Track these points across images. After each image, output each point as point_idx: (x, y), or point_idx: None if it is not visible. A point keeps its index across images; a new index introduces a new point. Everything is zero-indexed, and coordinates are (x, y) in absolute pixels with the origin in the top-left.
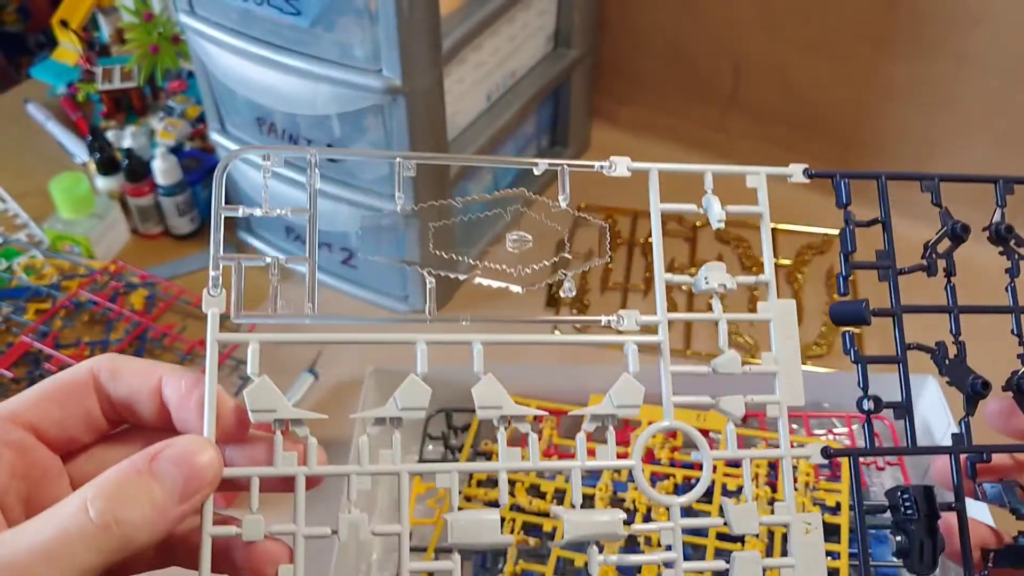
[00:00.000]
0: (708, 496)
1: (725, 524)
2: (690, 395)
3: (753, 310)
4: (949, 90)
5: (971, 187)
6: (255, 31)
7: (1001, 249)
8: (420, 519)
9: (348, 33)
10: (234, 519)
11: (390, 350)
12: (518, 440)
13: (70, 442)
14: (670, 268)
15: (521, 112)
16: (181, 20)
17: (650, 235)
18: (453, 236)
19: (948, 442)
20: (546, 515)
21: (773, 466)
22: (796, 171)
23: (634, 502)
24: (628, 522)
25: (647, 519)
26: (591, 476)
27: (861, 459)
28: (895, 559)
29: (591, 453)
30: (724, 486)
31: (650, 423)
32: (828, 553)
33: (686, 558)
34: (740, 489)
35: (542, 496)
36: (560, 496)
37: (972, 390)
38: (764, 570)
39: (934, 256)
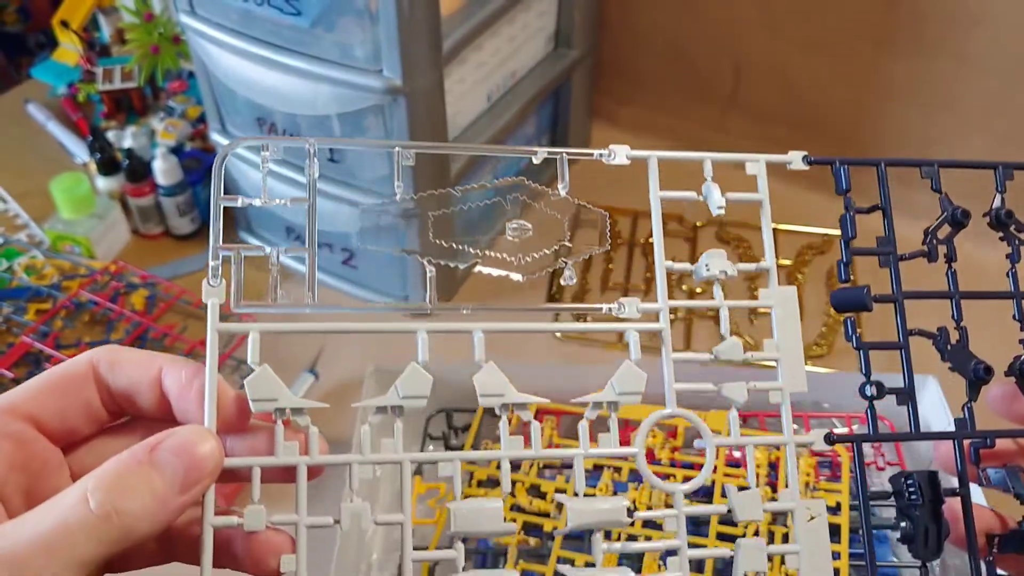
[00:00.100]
0: (709, 497)
1: (729, 511)
2: (692, 383)
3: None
4: (949, 90)
5: (970, 180)
6: (255, 31)
7: (1001, 235)
8: (421, 519)
9: (348, 33)
10: (235, 511)
11: (390, 349)
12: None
13: (70, 434)
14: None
15: (521, 112)
16: (181, 20)
17: (650, 236)
18: (453, 228)
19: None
20: (546, 515)
21: (773, 466)
22: (795, 158)
23: (633, 502)
24: (630, 512)
25: (648, 521)
26: (591, 477)
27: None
28: (895, 559)
29: (593, 439)
30: (724, 487)
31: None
32: None
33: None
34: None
35: (542, 496)
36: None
37: (974, 375)
38: (768, 557)
39: (934, 242)
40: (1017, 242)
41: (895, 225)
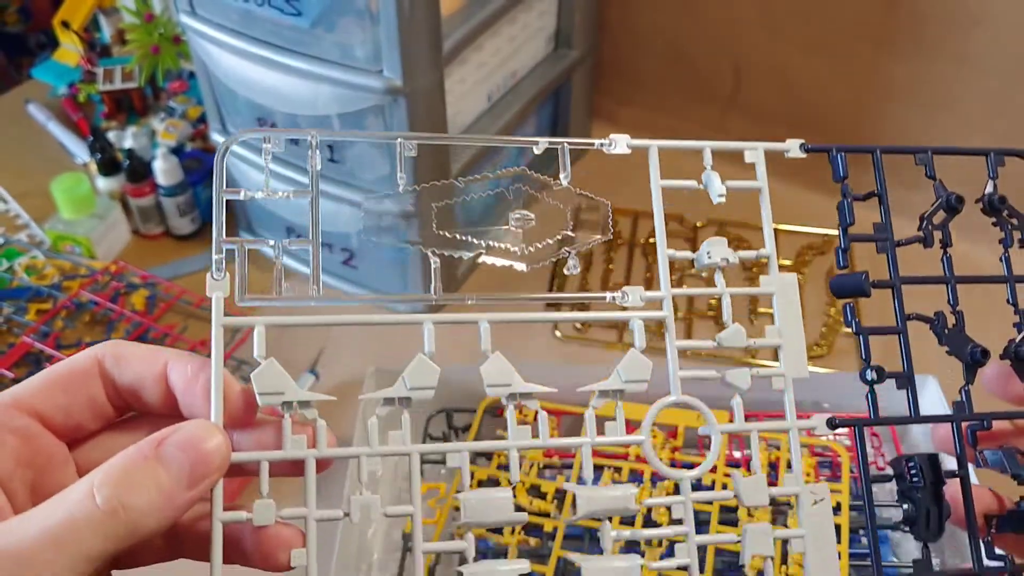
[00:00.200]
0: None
1: (735, 497)
2: (695, 370)
3: (753, 303)
4: (949, 90)
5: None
6: (256, 32)
7: (994, 220)
8: (422, 518)
9: (349, 34)
10: (240, 506)
11: (391, 349)
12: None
13: (76, 429)
14: (670, 268)
15: (522, 112)
16: (182, 21)
17: (650, 236)
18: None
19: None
20: (547, 515)
21: (773, 466)
22: (793, 146)
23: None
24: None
25: (648, 521)
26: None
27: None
28: (895, 559)
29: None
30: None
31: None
32: None
33: None
34: None
35: (543, 496)
36: (561, 496)
37: (971, 358)
38: (774, 541)
39: (930, 227)
40: (1010, 227)
41: (893, 222)
